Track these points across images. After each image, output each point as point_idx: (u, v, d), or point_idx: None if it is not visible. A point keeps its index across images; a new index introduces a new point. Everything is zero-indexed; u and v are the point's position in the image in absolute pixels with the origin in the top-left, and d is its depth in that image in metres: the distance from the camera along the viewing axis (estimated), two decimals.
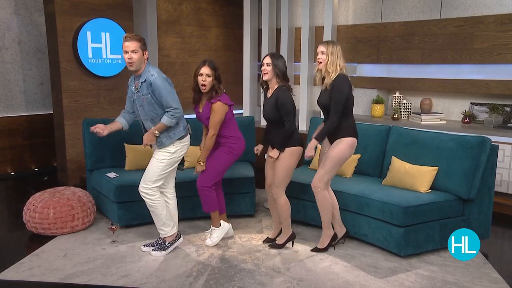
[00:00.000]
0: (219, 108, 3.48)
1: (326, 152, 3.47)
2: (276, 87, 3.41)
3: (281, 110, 3.34)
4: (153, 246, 3.58)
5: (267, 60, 3.38)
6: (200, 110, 3.61)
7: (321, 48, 3.35)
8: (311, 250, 3.59)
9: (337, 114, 3.30)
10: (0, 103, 5.71)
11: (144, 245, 3.62)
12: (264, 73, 3.39)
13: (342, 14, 6.06)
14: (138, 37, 3.27)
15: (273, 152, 3.44)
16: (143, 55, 3.27)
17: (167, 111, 3.32)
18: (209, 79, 3.45)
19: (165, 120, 3.33)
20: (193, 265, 3.36)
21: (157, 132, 3.35)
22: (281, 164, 3.43)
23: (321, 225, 3.60)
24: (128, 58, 3.22)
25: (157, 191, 3.46)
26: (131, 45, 3.21)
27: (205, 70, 3.44)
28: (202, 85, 3.46)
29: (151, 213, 3.51)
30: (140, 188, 3.44)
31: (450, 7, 5.17)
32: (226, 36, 7.14)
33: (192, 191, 4.02)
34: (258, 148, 3.66)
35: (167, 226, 3.53)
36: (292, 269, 3.30)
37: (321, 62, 3.35)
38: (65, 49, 5.26)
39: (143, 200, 3.48)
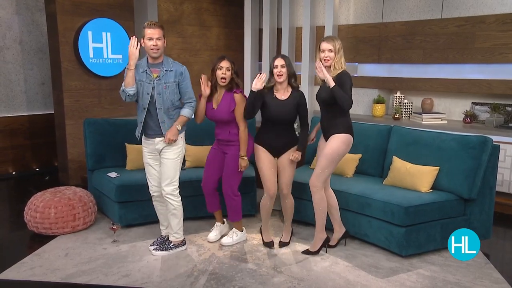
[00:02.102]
0: (242, 100, 3.50)
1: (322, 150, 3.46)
2: (290, 88, 3.45)
3: (302, 111, 3.46)
4: (155, 245, 3.60)
5: (281, 62, 3.37)
6: (215, 107, 3.54)
7: (328, 46, 3.26)
8: (302, 252, 3.56)
9: (350, 98, 3.23)
10: (1, 103, 5.72)
11: (151, 246, 3.62)
12: (280, 75, 3.38)
13: (343, 14, 6.05)
14: (160, 24, 3.31)
15: (296, 154, 3.48)
16: (164, 42, 3.31)
17: (188, 103, 3.42)
18: (229, 73, 3.47)
19: (187, 112, 3.42)
20: (194, 265, 3.36)
21: (179, 126, 3.38)
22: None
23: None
24: (154, 45, 3.24)
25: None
26: (156, 32, 3.24)
27: (225, 64, 3.45)
28: (222, 78, 3.46)
29: (172, 216, 3.50)
30: (168, 191, 3.43)
31: (451, 6, 5.16)
32: (227, 36, 7.13)
33: (193, 191, 4.03)
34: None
35: (181, 230, 3.58)
36: (293, 269, 3.30)
37: (329, 60, 3.26)
38: (66, 49, 5.26)
39: (147, 200, 3.51)
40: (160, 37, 3.26)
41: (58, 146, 5.57)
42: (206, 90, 3.46)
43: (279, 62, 3.38)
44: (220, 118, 3.53)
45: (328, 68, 3.30)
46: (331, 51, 3.26)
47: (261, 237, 3.83)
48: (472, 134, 3.76)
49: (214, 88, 3.54)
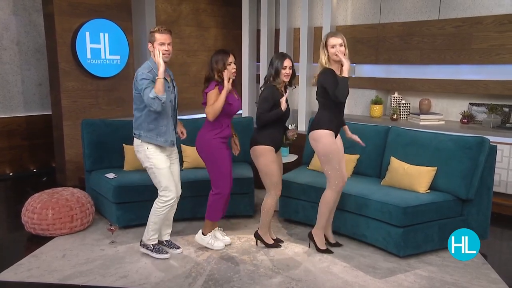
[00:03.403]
0: None
1: (340, 147, 3.46)
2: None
3: None
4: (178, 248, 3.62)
5: (290, 63, 3.44)
6: (237, 97, 3.58)
7: (339, 40, 3.27)
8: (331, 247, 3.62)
9: None
10: None
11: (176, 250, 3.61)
12: (288, 75, 3.45)
13: (340, 15, 6.06)
14: (169, 29, 3.32)
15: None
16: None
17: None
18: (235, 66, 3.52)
19: None
20: (192, 266, 3.36)
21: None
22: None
23: (321, 225, 3.57)
24: (166, 50, 3.26)
25: None
26: (167, 37, 3.26)
27: (232, 58, 3.46)
28: (234, 72, 3.48)
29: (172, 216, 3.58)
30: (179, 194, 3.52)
31: (448, 7, 5.18)
32: (225, 36, 7.14)
33: (191, 191, 4.02)
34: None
35: None
36: (291, 270, 3.30)
37: (344, 54, 3.29)
38: (64, 49, 5.25)
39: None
40: (170, 42, 3.28)
41: (55, 147, 5.56)
42: (229, 85, 3.39)
43: (288, 63, 3.43)
44: (235, 112, 3.59)
45: (339, 62, 3.32)
46: (342, 45, 3.29)
47: (260, 241, 3.72)
48: (469, 135, 3.77)
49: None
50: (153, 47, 3.26)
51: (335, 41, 3.28)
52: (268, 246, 3.66)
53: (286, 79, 3.45)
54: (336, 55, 3.27)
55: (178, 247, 3.59)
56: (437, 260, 3.47)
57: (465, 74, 5.09)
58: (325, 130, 3.37)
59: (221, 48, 3.58)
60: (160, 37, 3.23)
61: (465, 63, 5.06)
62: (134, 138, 3.38)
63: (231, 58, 3.44)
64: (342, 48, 3.28)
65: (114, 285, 3.08)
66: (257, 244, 3.71)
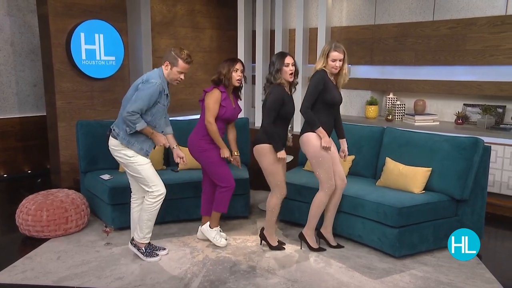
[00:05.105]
0: None
1: (333, 150, 3.51)
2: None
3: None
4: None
5: (291, 60, 3.40)
6: (234, 106, 3.67)
7: (340, 56, 3.34)
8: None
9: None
10: None
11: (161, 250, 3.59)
12: (292, 73, 3.41)
13: (336, 16, 6.07)
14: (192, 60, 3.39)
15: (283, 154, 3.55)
16: None
17: None
18: (242, 75, 3.57)
19: None
20: (188, 267, 3.36)
21: None
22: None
23: (311, 225, 3.58)
24: (181, 79, 3.33)
25: None
26: (188, 68, 3.32)
27: (240, 66, 3.54)
28: (239, 80, 3.54)
29: None
30: None
31: (442, 9, 5.21)
32: (220, 37, 7.13)
33: (187, 192, 4.01)
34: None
35: None
36: (286, 271, 3.30)
37: (338, 68, 3.38)
38: (58, 50, 5.23)
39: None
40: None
41: (50, 148, 5.54)
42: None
43: (290, 60, 3.39)
44: (234, 119, 3.69)
45: (336, 76, 3.44)
46: (341, 61, 3.37)
47: (256, 239, 3.79)
48: (463, 135, 3.79)
49: (229, 88, 3.58)
50: (170, 68, 3.26)
51: (337, 56, 3.35)
52: (272, 248, 3.64)
53: (291, 78, 3.41)
54: (335, 68, 3.37)
55: (164, 248, 3.57)
56: (432, 260, 3.48)
57: (459, 75, 5.11)
58: (313, 133, 3.39)
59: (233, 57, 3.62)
60: (183, 66, 3.26)
61: (459, 64, 5.09)
62: (111, 136, 3.34)
63: (238, 66, 3.52)
64: (340, 63, 3.37)
65: (110, 286, 3.07)
66: (261, 244, 3.71)
